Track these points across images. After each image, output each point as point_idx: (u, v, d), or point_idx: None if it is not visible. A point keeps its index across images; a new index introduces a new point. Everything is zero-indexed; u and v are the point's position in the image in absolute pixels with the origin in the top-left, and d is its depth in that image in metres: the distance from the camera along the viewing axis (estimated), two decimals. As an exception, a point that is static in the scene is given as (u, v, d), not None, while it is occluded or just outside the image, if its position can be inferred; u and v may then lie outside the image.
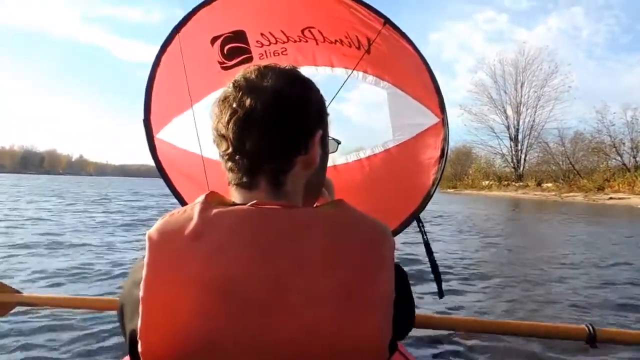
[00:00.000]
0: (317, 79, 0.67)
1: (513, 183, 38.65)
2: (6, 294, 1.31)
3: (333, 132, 0.77)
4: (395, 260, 0.57)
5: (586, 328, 1.09)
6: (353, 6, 1.46)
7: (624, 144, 32.13)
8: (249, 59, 1.53)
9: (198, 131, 1.43)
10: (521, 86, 40.51)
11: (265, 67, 0.63)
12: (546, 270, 5.36)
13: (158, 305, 0.51)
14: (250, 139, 0.58)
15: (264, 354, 0.51)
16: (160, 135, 1.52)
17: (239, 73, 0.63)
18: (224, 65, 1.53)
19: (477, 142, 42.56)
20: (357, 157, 1.65)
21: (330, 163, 0.75)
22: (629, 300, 4.01)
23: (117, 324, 0.60)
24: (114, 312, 0.70)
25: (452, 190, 42.01)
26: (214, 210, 0.55)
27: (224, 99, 0.61)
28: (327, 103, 0.70)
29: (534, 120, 39.79)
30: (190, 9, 1.46)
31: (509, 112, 40.98)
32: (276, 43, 1.53)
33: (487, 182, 40.85)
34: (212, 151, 0.66)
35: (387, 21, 1.46)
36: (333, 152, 0.97)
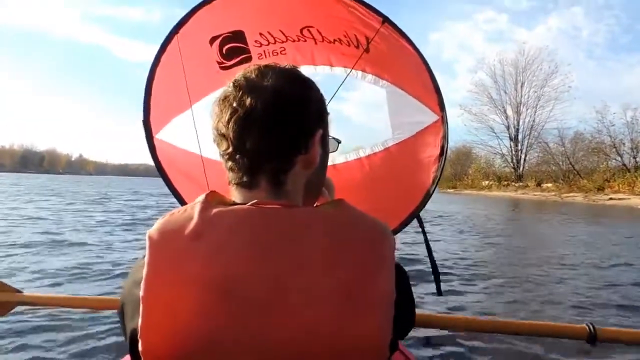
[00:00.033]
0: (316, 78, 0.67)
1: (513, 183, 38.67)
2: (7, 294, 1.31)
3: (333, 132, 0.76)
4: (396, 260, 0.57)
5: (587, 327, 1.09)
6: (351, 5, 1.46)
7: (624, 144, 32.19)
8: (248, 59, 1.53)
9: (197, 131, 1.43)
10: (521, 86, 40.59)
11: (266, 66, 0.63)
12: (547, 270, 5.35)
13: (158, 304, 0.51)
14: (251, 139, 0.58)
15: (264, 353, 0.51)
16: (159, 136, 1.52)
17: (239, 72, 0.63)
18: (223, 65, 1.53)
19: (477, 142, 42.64)
20: (356, 156, 1.65)
21: (329, 162, 0.74)
22: (630, 300, 4.01)
23: (118, 324, 0.60)
24: (115, 312, 0.70)
25: (451, 190, 42.02)
26: (214, 210, 0.55)
27: (225, 99, 0.61)
28: (326, 102, 0.70)
29: (534, 120, 39.88)
30: (189, 8, 1.46)
31: (509, 112, 41.07)
32: (275, 43, 1.53)
33: (486, 182, 40.86)
34: (212, 151, 0.66)
35: (385, 20, 1.46)
36: (333, 151, 0.97)
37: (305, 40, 1.54)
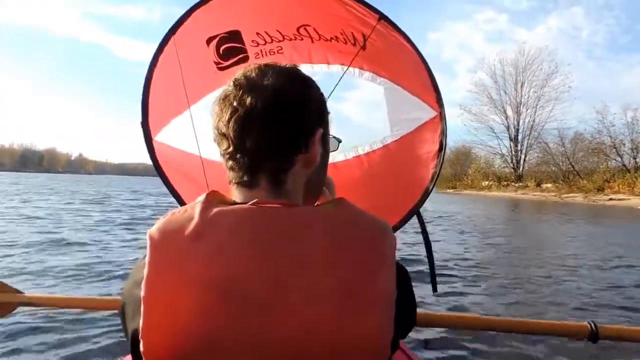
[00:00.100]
0: (314, 77, 0.67)
1: (512, 183, 38.71)
2: (8, 294, 1.31)
3: (333, 131, 0.76)
4: (397, 259, 0.57)
5: (588, 325, 1.10)
6: (348, 3, 1.46)
7: (624, 144, 32.24)
8: (245, 59, 1.53)
9: (196, 132, 1.43)
10: (521, 86, 40.66)
11: (266, 65, 0.63)
12: (548, 271, 5.36)
13: (159, 305, 0.51)
14: (251, 138, 0.58)
15: (264, 353, 0.51)
16: (158, 138, 1.52)
17: (239, 72, 0.63)
18: (220, 65, 1.53)
19: (476, 142, 42.71)
20: (355, 154, 1.65)
21: (329, 161, 0.74)
22: (634, 302, 4.01)
23: (118, 324, 0.60)
24: (115, 312, 0.70)
25: (451, 190, 42.05)
26: (215, 210, 0.55)
27: (225, 98, 0.61)
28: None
29: (534, 121, 39.94)
30: (188, 7, 1.46)
31: (509, 112, 41.14)
32: (272, 42, 1.54)
33: (486, 182, 40.90)
34: (211, 152, 0.66)
35: (382, 17, 1.46)
36: (334, 150, 0.97)
37: (302, 39, 1.54)
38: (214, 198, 0.58)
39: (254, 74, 0.61)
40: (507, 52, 69.92)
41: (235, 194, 0.62)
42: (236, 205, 0.57)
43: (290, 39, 1.54)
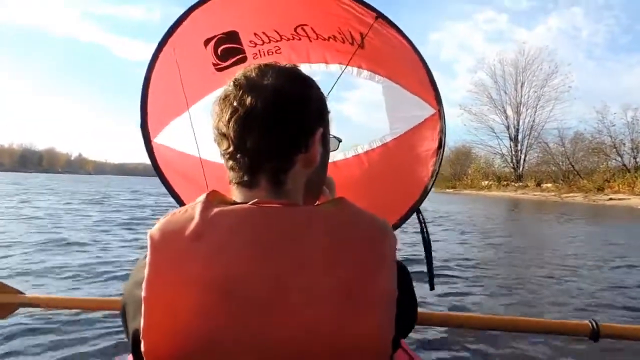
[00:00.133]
0: (313, 77, 0.67)
1: (512, 183, 38.71)
2: (9, 295, 1.31)
3: (333, 131, 0.76)
4: (398, 259, 0.57)
5: (589, 324, 1.10)
6: (344, 2, 1.46)
7: (624, 144, 32.23)
8: (243, 59, 1.53)
9: (195, 133, 1.43)
10: (521, 86, 40.68)
11: (266, 65, 0.63)
12: (548, 271, 5.36)
13: (159, 305, 0.51)
14: (251, 138, 0.58)
15: (265, 353, 0.51)
16: (157, 140, 1.52)
17: (239, 72, 0.63)
18: (218, 66, 1.53)
19: (476, 142, 42.73)
20: (355, 153, 1.65)
21: (328, 160, 0.75)
22: (633, 301, 4.01)
23: (118, 325, 0.60)
24: (116, 313, 0.70)
25: (451, 190, 42.04)
26: (215, 210, 0.55)
27: (225, 98, 0.61)
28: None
29: (533, 121, 39.95)
30: (188, 7, 1.46)
31: (509, 112, 41.15)
32: (269, 42, 1.54)
33: (486, 182, 40.90)
34: (210, 153, 0.66)
35: (379, 15, 1.46)
36: (334, 150, 0.97)
37: (300, 39, 1.54)
38: (214, 198, 0.58)
39: (254, 74, 0.61)
40: (507, 52, 70.14)
41: (236, 194, 0.62)
42: (236, 205, 0.57)
43: (288, 39, 1.54)
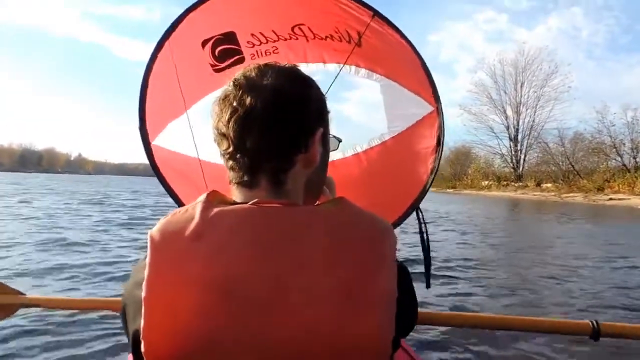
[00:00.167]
0: (312, 76, 0.67)
1: (512, 183, 38.73)
2: (10, 296, 1.31)
3: (333, 131, 0.76)
4: (398, 259, 0.57)
5: (590, 323, 1.10)
6: (341, 0, 1.46)
7: (624, 144, 32.24)
8: (241, 60, 1.53)
9: (194, 135, 1.43)
10: (521, 86, 40.71)
11: (266, 65, 0.63)
12: (548, 271, 5.36)
13: (159, 305, 0.51)
14: (251, 138, 0.58)
15: (265, 353, 0.51)
16: (156, 142, 1.52)
17: (239, 72, 0.63)
18: (216, 67, 1.53)
19: (476, 142, 42.76)
20: (354, 152, 1.65)
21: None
22: (634, 301, 4.01)
23: (118, 325, 0.60)
24: (116, 313, 0.70)
25: (451, 190, 42.06)
26: (215, 210, 0.55)
27: (225, 98, 0.61)
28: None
29: (533, 121, 39.98)
30: (187, 6, 1.46)
31: (509, 112, 41.19)
32: (267, 42, 1.54)
33: (486, 182, 40.91)
34: (209, 154, 0.66)
35: (375, 13, 1.46)
36: (334, 150, 0.97)
37: (297, 39, 1.54)
38: (214, 198, 0.58)
39: (253, 74, 0.61)
40: (507, 52, 70.30)
41: (236, 194, 0.62)
42: (236, 205, 0.57)
43: (285, 39, 1.54)
